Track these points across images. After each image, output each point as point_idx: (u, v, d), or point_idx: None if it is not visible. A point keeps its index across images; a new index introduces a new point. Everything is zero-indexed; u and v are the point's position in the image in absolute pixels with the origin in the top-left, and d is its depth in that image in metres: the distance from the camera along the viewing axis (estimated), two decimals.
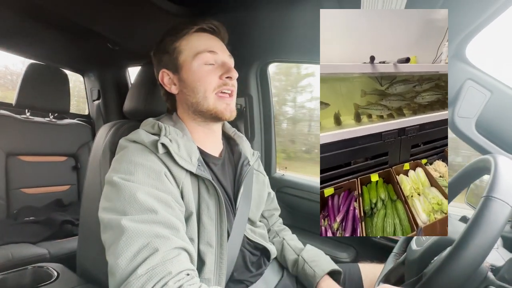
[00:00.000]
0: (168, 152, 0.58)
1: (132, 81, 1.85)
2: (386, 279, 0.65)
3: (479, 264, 0.40)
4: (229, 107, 0.66)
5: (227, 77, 0.65)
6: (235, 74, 0.65)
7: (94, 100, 1.93)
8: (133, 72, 1.86)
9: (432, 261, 0.49)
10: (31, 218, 1.37)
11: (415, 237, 0.62)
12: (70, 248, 1.23)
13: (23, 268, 0.84)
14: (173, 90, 0.68)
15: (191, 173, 0.60)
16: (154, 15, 1.05)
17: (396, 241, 1.02)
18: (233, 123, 0.80)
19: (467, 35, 0.74)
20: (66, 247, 1.24)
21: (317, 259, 0.78)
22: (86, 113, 2.02)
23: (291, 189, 1.28)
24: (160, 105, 0.84)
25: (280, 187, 1.29)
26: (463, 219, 0.62)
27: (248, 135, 1.29)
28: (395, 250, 0.73)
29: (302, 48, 1.09)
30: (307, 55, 1.13)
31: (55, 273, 0.82)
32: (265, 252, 0.77)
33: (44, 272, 0.84)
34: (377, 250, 1.08)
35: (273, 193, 0.90)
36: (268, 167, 1.33)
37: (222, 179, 0.68)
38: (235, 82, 0.67)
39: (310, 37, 0.99)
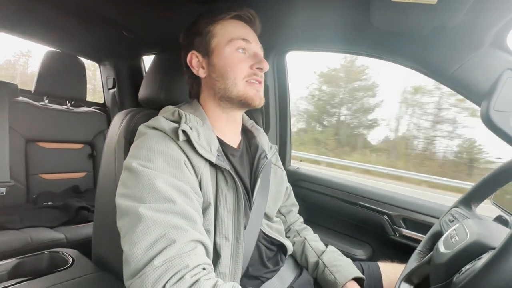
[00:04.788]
0: (187, 140, 0.56)
1: (146, 70, 1.86)
2: (408, 278, 0.62)
3: None
4: (259, 93, 0.65)
5: (257, 68, 0.64)
6: (266, 66, 0.65)
7: (109, 89, 1.94)
8: (147, 61, 1.85)
9: (464, 268, 0.45)
10: (49, 203, 1.41)
11: (443, 238, 0.58)
12: (86, 233, 1.26)
13: (40, 253, 0.86)
14: (201, 73, 0.67)
15: (210, 163, 0.58)
16: (170, 2, 1.02)
17: (414, 240, 0.99)
18: (250, 115, 0.78)
19: (510, 21, 0.67)
20: (82, 232, 1.27)
21: (339, 264, 0.75)
22: (102, 101, 2.04)
23: (305, 183, 1.25)
24: (175, 93, 0.83)
25: (294, 180, 1.26)
26: (499, 219, 0.58)
27: (263, 126, 1.26)
28: (419, 248, 0.69)
29: (320, 36, 1.04)
30: (325, 44, 1.08)
31: (70, 259, 0.83)
32: (282, 248, 0.75)
33: (60, 257, 0.85)
34: (393, 249, 1.04)
35: (290, 187, 0.88)
36: (282, 160, 1.30)
37: (241, 171, 0.66)
38: (262, 74, 0.66)
39: (330, 24, 0.94)
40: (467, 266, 0.44)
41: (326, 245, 0.82)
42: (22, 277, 0.72)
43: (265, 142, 0.77)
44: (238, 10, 0.66)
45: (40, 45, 1.65)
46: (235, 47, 0.64)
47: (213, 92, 0.66)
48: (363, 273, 0.78)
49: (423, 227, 0.95)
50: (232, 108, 0.67)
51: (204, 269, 0.47)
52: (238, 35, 0.64)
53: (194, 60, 0.67)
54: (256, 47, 0.67)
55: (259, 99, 0.65)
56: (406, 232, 1.00)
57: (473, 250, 0.46)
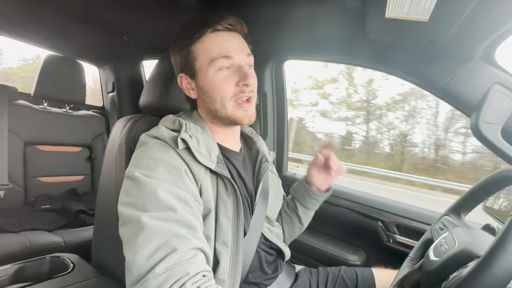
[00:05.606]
0: (187, 148, 0.58)
1: (146, 74, 1.87)
2: (400, 284, 0.64)
3: (504, 286, 0.38)
4: (247, 113, 0.64)
5: (243, 84, 0.62)
6: (252, 81, 0.62)
7: (108, 92, 1.95)
8: (147, 65, 1.87)
9: (451, 276, 0.47)
10: (47, 206, 1.41)
11: (433, 245, 0.60)
12: (84, 237, 1.27)
13: (41, 258, 0.87)
14: (192, 95, 0.67)
15: (210, 170, 0.60)
16: (170, 8, 1.04)
17: (407, 246, 1.01)
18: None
19: (498, 37, 0.70)
20: (80, 236, 1.27)
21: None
22: (101, 105, 2.05)
23: None
24: (176, 100, 0.84)
25: (291, 186, 1.28)
26: (487, 228, 0.60)
27: (261, 132, 1.28)
28: (411, 255, 0.71)
29: (318, 46, 1.07)
30: (324, 53, 1.10)
31: (71, 264, 0.84)
32: (280, 254, 0.77)
33: (61, 262, 0.86)
34: (387, 254, 1.06)
35: (284, 196, 0.91)
36: (280, 166, 1.32)
37: (244, 174, 0.68)
38: (254, 88, 0.65)
39: (327, 34, 0.97)
40: (454, 274, 0.46)
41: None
42: (24, 282, 0.73)
43: (265, 148, 0.79)
44: (215, 24, 0.62)
45: (36, 47, 1.66)
46: (218, 67, 0.61)
47: (206, 111, 0.67)
48: (357, 279, 0.81)
49: (416, 234, 0.97)
50: (225, 125, 0.68)
51: (204, 276, 0.48)
52: (219, 53, 0.61)
53: (184, 82, 0.67)
54: (240, 58, 0.63)
55: (248, 118, 0.65)
56: (399, 238, 1.02)
57: (460, 258, 0.49)
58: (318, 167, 0.82)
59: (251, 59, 0.66)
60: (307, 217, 0.86)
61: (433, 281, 0.52)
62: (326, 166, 0.80)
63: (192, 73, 0.65)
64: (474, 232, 0.57)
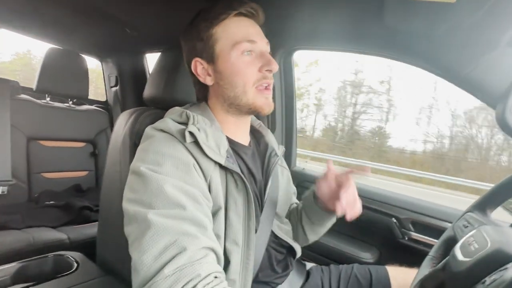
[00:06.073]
0: (195, 142, 0.54)
1: (149, 68, 1.84)
2: (421, 285, 0.61)
3: None
4: (267, 101, 0.63)
5: (266, 70, 0.61)
6: (275, 67, 0.61)
7: (111, 87, 1.92)
8: (150, 58, 1.83)
9: (487, 279, 0.43)
10: (51, 202, 1.39)
11: (459, 244, 0.56)
12: (89, 234, 1.25)
13: (44, 256, 0.85)
14: (208, 81, 0.64)
15: (219, 165, 0.56)
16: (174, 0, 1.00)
17: (424, 244, 0.97)
18: (256, 115, 0.77)
19: None
20: (85, 232, 1.25)
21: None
22: (104, 99, 2.02)
23: (311, 184, 1.23)
24: (181, 92, 0.81)
25: (300, 181, 1.25)
26: None
27: (269, 126, 1.24)
28: (431, 254, 0.68)
29: (329, 35, 1.02)
30: (334, 43, 1.06)
31: (75, 263, 0.81)
32: (291, 251, 0.74)
33: (64, 261, 0.84)
34: (402, 252, 1.02)
35: (295, 190, 0.87)
36: (288, 161, 1.28)
37: (254, 169, 0.65)
38: (271, 75, 0.63)
39: (339, 22, 0.92)
40: (493, 277, 0.42)
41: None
42: (26, 282, 0.71)
43: (274, 141, 0.76)
44: (239, 7, 0.61)
45: (40, 41, 1.62)
46: (241, 51, 0.59)
47: (222, 99, 0.63)
48: (371, 277, 0.78)
49: (433, 231, 0.94)
50: (241, 114, 0.65)
51: (216, 277, 0.45)
52: (242, 36, 0.60)
53: (199, 67, 0.63)
54: (261, 44, 0.62)
55: (268, 106, 0.63)
56: (415, 235, 0.98)
57: (496, 259, 0.45)
58: (328, 183, 0.69)
59: (269, 48, 0.65)
60: (313, 231, 0.79)
61: (464, 283, 0.48)
62: (336, 184, 0.67)
63: (210, 58, 0.62)
64: (505, 230, 0.53)
